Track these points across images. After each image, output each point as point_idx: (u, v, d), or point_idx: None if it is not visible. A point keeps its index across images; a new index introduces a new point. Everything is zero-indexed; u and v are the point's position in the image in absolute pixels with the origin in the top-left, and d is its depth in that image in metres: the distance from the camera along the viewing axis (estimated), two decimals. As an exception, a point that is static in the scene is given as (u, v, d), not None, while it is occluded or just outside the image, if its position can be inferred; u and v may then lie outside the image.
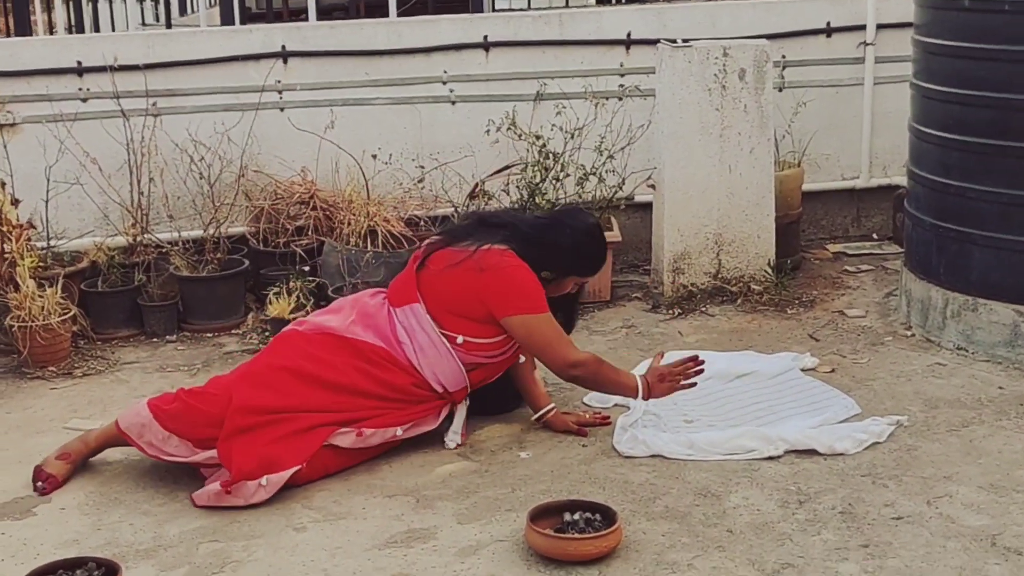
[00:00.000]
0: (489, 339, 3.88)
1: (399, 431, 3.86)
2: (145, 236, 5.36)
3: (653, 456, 3.84)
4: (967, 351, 4.63)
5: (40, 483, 3.75)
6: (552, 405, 4.11)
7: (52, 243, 5.30)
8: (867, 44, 6.01)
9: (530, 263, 3.90)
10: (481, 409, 4.13)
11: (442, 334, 3.86)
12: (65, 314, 4.83)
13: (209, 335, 5.17)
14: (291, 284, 4.95)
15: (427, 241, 4.11)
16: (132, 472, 3.87)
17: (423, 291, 3.91)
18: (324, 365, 3.80)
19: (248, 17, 7.99)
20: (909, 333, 4.89)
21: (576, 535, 3.27)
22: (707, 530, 3.41)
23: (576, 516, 3.36)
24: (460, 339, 3.85)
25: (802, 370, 4.51)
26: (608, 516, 3.34)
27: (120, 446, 3.88)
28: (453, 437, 3.98)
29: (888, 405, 4.20)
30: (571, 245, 4.00)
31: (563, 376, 3.97)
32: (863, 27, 6.01)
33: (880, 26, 5.99)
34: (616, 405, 4.22)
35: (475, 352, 3.88)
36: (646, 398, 3.92)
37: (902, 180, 5.51)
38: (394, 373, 3.84)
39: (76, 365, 4.85)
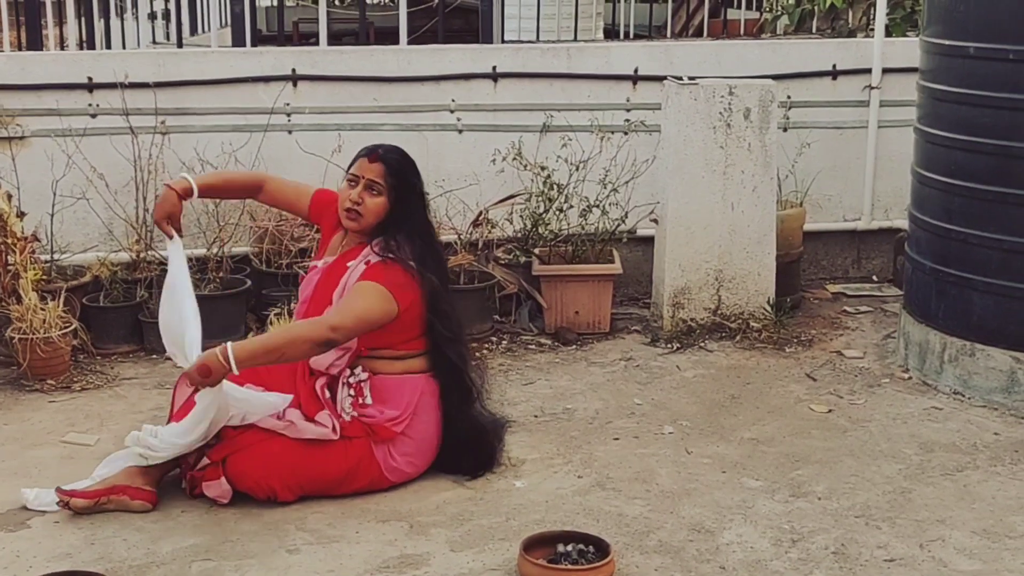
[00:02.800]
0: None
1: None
2: (149, 252, 5.38)
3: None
4: (964, 396, 4.64)
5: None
6: None
7: (56, 257, 5.32)
8: (872, 88, 6.06)
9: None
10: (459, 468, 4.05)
11: None
12: (66, 328, 4.85)
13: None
14: (292, 306, 4.96)
15: None
16: (127, 488, 3.87)
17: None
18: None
19: (259, 39, 8.04)
20: (906, 376, 4.90)
21: (569, 566, 3.28)
22: (700, 566, 3.41)
23: (569, 547, 3.37)
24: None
25: None
26: (601, 548, 3.35)
27: None
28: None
29: (884, 447, 4.22)
30: None
31: (320, 334, 3.73)
32: (868, 71, 6.05)
33: (886, 70, 6.04)
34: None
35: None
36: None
37: (903, 223, 5.54)
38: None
39: (75, 379, 4.86)
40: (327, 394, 3.86)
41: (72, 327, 4.89)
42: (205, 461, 3.77)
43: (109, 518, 3.68)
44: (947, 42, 4.62)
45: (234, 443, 3.75)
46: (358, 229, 3.94)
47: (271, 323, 4.92)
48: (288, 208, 4.35)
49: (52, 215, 5.27)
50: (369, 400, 3.85)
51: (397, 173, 3.94)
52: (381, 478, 3.85)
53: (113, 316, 5.18)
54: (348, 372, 3.90)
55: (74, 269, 5.34)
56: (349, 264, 3.93)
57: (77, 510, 3.67)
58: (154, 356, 5.15)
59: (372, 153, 3.96)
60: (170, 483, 3.84)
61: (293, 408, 3.79)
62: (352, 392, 3.86)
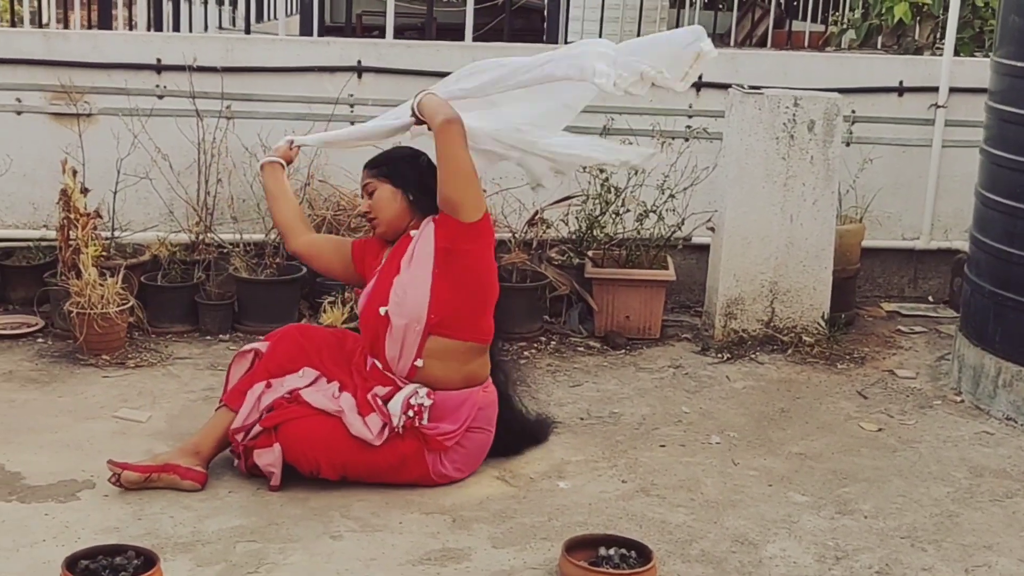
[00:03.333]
0: None
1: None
2: (208, 235, 5.44)
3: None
4: (1016, 422, 4.59)
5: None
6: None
7: (116, 234, 5.40)
8: (938, 106, 6.00)
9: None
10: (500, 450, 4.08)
11: None
12: (123, 305, 4.91)
13: (261, 337, 5.21)
14: (346, 295, 5.00)
15: None
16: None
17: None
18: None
19: (325, 29, 8.11)
20: (959, 399, 4.85)
21: (611, 570, 3.27)
22: (742, 577, 3.40)
23: (612, 551, 3.36)
24: None
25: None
26: (644, 554, 3.34)
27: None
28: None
29: (933, 469, 4.18)
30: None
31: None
32: (935, 89, 6.00)
33: (952, 89, 5.98)
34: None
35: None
36: None
37: (963, 245, 5.49)
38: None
39: (129, 356, 4.92)
40: (379, 402, 3.81)
41: (129, 304, 4.96)
42: (257, 429, 3.80)
43: (157, 495, 3.72)
44: (1019, 64, 4.56)
45: (287, 412, 3.79)
46: (386, 229, 3.98)
47: (324, 311, 4.96)
48: (328, 262, 4.19)
49: (115, 193, 5.34)
50: (426, 421, 3.82)
51: (382, 163, 4.03)
52: (427, 478, 3.85)
53: (170, 296, 5.24)
54: (413, 392, 3.81)
55: (134, 247, 5.41)
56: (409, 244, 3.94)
57: (128, 484, 3.72)
58: (208, 337, 5.20)
59: (366, 165, 4.06)
60: (220, 463, 3.88)
61: (348, 394, 3.82)
62: (412, 413, 3.78)
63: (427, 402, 3.80)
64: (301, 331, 4.08)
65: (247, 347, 4.04)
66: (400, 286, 3.86)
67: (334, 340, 4.05)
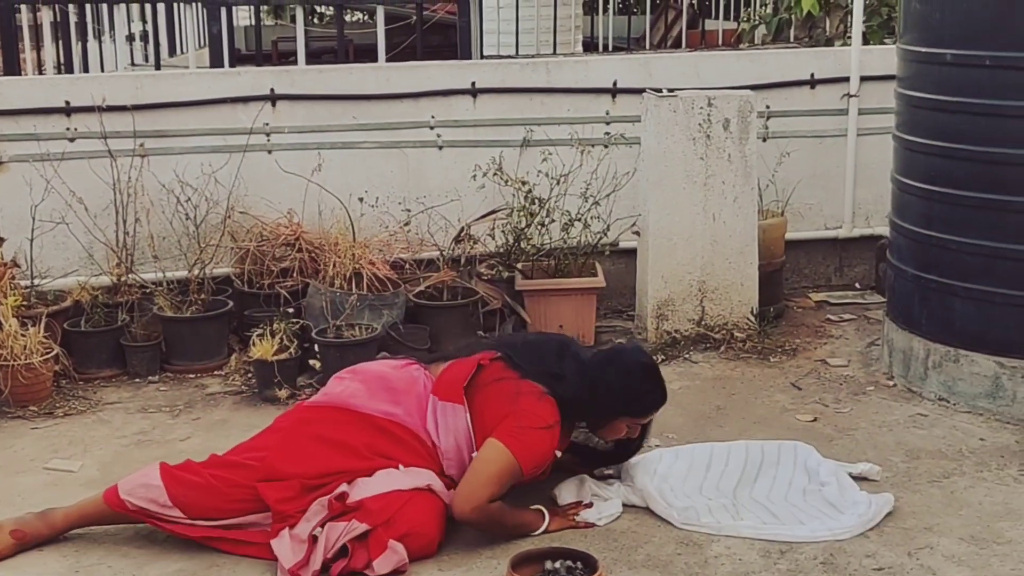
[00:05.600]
0: None
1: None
2: (129, 276, 5.35)
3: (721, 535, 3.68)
4: (948, 402, 4.65)
5: None
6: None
7: (36, 282, 5.29)
8: (851, 96, 6.08)
9: (568, 413, 3.70)
10: None
11: (474, 445, 3.65)
12: (47, 353, 4.82)
13: (192, 376, 5.16)
14: (275, 326, 4.95)
15: (491, 347, 3.89)
16: (111, 514, 3.84)
17: (470, 397, 3.70)
18: (344, 448, 3.65)
19: (238, 59, 8.05)
20: (891, 383, 4.91)
21: (557, 583, 3.26)
22: (688, 579, 3.40)
23: (557, 564, 3.35)
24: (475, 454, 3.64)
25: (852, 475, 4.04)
26: (590, 564, 3.34)
27: (98, 524, 3.70)
28: None
29: (870, 455, 4.21)
30: (620, 387, 3.73)
31: (462, 513, 3.55)
32: (847, 79, 6.07)
33: (864, 78, 6.06)
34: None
35: None
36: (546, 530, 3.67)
37: (884, 230, 5.55)
38: (418, 456, 3.68)
39: (58, 405, 4.83)
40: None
41: (53, 352, 4.86)
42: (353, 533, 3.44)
43: (93, 545, 3.65)
44: (923, 49, 4.63)
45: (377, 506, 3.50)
46: None
47: (253, 343, 4.90)
48: None
49: (31, 240, 5.24)
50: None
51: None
52: None
53: (95, 340, 5.15)
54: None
55: (55, 294, 5.31)
56: None
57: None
58: (137, 380, 5.12)
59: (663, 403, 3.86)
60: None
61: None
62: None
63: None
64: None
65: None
66: None
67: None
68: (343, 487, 3.52)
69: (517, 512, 3.66)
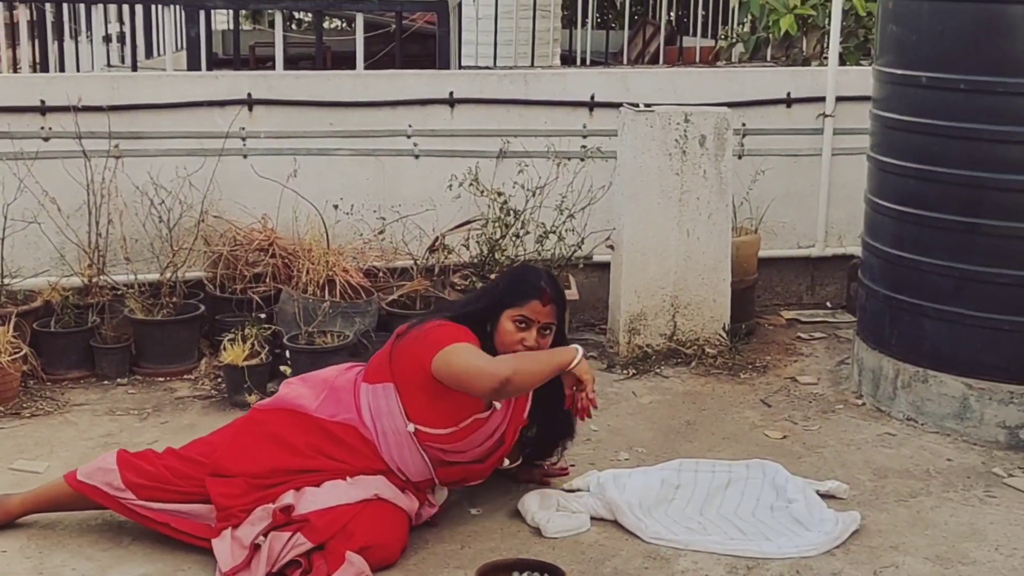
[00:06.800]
0: (440, 430, 3.65)
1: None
2: (101, 277, 5.32)
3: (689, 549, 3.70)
4: (917, 422, 4.68)
5: None
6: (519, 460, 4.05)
7: (6, 281, 5.25)
8: (826, 115, 6.12)
9: (468, 324, 3.75)
10: None
11: (405, 418, 3.67)
12: (16, 353, 4.78)
13: (161, 379, 5.13)
14: (246, 331, 4.93)
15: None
16: (76, 515, 3.81)
17: (394, 369, 3.74)
18: (288, 448, 3.68)
19: (215, 63, 8.02)
20: (860, 402, 4.94)
21: (524, 594, 3.26)
22: (655, 593, 3.41)
23: (525, 575, 3.35)
24: (411, 427, 3.65)
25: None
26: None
27: (55, 510, 3.75)
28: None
29: (838, 473, 4.23)
30: (500, 280, 3.92)
31: (499, 396, 3.64)
32: (823, 99, 6.11)
33: (839, 98, 6.10)
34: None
35: (429, 444, 3.68)
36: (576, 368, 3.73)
37: (857, 250, 5.59)
38: (361, 456, 3.68)
39: (25, 405, 4.79)
40: None
41: (22, 352, 4.82)
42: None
43: (57, 547, 3.62)
44: (899, 71, 4.67)
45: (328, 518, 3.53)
46: None
47: (224, 348, 4.88)
48: None
49: (3, 239, 5.20)
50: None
51: (563, 306, 3.87)
52: None
53: (64, 341, 5.11)
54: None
55: (25, 294, 5.27)
56: None
57: None
58: (105, 382, 5.09)
59: (543, 294, 3.75)
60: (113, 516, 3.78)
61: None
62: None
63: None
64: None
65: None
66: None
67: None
68: (289, 498, 3.52)
69: (539, 358, 3.69)
